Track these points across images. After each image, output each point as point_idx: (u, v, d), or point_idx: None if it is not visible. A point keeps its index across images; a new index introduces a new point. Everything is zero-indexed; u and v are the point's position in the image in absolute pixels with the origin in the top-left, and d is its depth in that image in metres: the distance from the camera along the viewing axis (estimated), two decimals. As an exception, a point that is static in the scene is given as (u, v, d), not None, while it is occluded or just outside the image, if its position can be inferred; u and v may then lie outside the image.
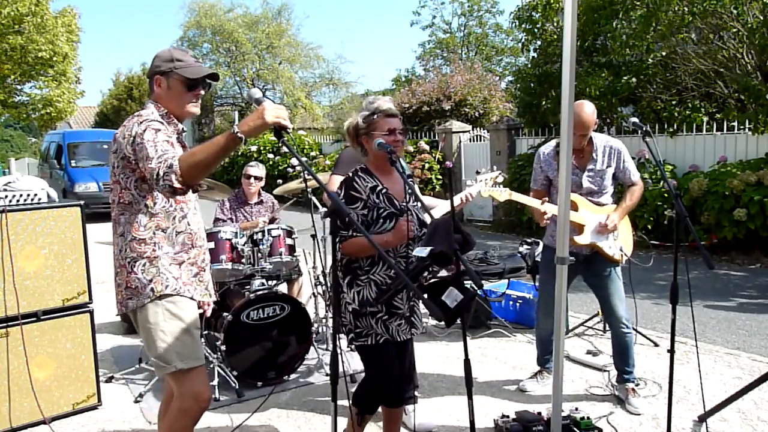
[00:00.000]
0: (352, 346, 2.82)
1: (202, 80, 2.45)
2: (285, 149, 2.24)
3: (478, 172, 3.74)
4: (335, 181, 3.20)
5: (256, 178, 4.99)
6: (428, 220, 2.68)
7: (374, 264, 2.64)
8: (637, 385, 3.75)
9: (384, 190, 2.68)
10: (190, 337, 2.40)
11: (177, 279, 2.40)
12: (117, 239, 2.42)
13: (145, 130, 2.25)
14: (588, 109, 3.48)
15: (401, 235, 2.59)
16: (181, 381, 2.39)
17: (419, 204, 2.73)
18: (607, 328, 5.03)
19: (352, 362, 4.08)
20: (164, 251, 2.38)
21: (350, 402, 2.65)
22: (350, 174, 2.71)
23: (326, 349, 4.47)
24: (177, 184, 2.12)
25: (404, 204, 2.70)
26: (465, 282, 2.35)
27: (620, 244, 3.68)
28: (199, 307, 2.60)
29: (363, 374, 3.88)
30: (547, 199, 3.57)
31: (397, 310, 2.67)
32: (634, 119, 3.22)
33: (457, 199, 3.46)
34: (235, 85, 26.43)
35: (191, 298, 2.46)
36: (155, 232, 2.37)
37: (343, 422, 2.76)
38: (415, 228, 2.66)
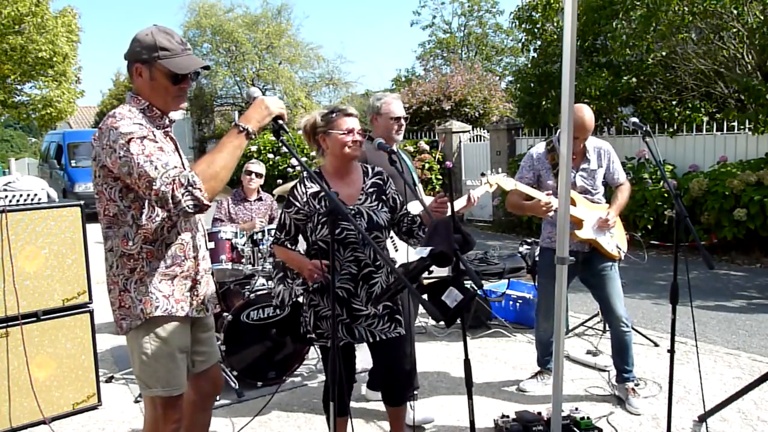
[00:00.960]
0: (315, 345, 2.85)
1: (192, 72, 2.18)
2: (284, 149, 2.19)
3: (483, 174, 3.74)
4: None
5: (256, 174, 5.05)
6: (383, 221, 2.69)
7: (298, 275, 2.71)
8: (636, 384, 3.75)
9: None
10: (173, 362, 2.24)
11: (168, 297, 2.20)
12: (107, 254, 2.22)
13: (129, 142, 1.98)
14: (589, 114, 3.51)
15: (307, 272, 2.56)
16: (153, 405, 2.29)
17: (380, 204, 2.73)
18: (607, 328, 5.04)
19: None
20: (153, 267, 2.16)
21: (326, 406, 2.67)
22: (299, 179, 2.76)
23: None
24: (205, 201, 1.94)
25: (353, 208, 2.67)
26: (465, 282, 2.35)
27: (616, 241, 3.70)
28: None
29: (363, 374, 3.89)
30: (551, 192, 3.56)
31: (359, 312, 2.67)
32: (634, 119, 3.22)
33: (463, 201, 3.46)
34: (235, 85, 26.44)
35: (186, 316, 2.26)
36: (142, 246, 2.15)
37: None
38: (356, 233, 2.63)
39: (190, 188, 1.91)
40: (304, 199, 2.64)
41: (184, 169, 2.03)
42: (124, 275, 2.18)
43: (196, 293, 2.31)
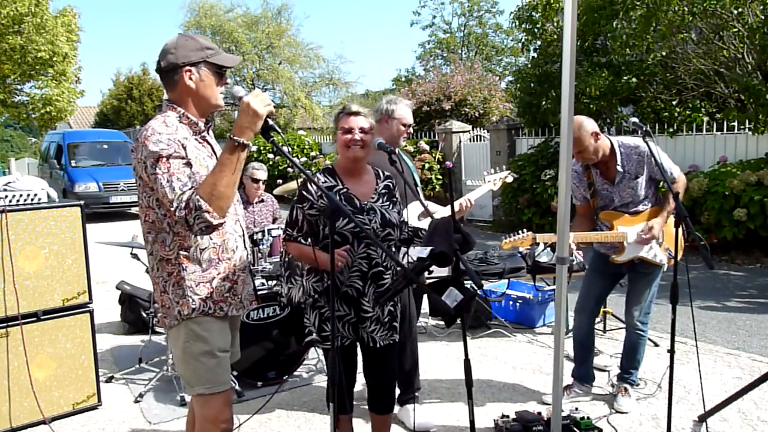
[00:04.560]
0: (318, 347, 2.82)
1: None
2: (284, 148, 2.16)
3: (488, 173, 3.70)
4: None
5: (263, 182, 5.07)
6: (396, 220, 2.68)
7: (309, 272, 2.67)
8: (637, 385, 3.75)
9: (344, 191, 2.66)
10: (214, 360, 2.27)
11: (206, 299, 2.24)
12: (149, 257, 2.30)
13: (157, 161, 2.05)
14: (573, 126, 3.27)
15: (323, 264, 2.51)
16: (200, 404, 2.32)
17: (392, 205, 2.71)
18: (608, 328, 5.05)
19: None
20: (189, 271, 2.21)
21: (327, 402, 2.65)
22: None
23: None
24: (215, 221, 2.04)
25: (366, 204, 2.66)
26: (465, 282, 2.35)
27: (666, 246, 3.52)
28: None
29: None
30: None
31: (365, 314, 2.64)
32: (634, 119, 3.19)
33: (456, 205, 3.45)
34: (235, 84, 26.41)
35: (225, 316, 2.30)
36: (178, 252, 2.20)
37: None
38: (376, 226, 2.62)
39: (198, 212, 2.01)
40: (319, 194, 2.59)
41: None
42: (163, 278, 2.24)
43: (234, 293, 2.33)
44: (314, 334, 2.67)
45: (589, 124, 3.37)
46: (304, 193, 2.62)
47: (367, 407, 2.90)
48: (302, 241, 2.65)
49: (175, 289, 2.22)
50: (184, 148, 2.12)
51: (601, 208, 3.58)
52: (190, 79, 2.20)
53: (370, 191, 2.73)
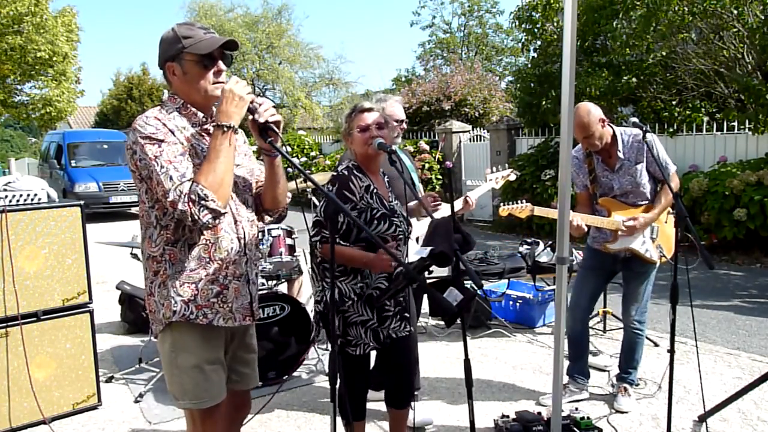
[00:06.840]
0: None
1: (220, 53, 2.08)
2: (283, 149, 2.11)
3: (492, 171, 3.69)
4: None
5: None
6: (413, 218, 2.67)
7: (345, 273, 2.56)
8: (636, 385, 3.74)
9: (375, 190, 2.63)
10: (201, 374, 2.06)
11: (188, 302, 2.04)
12: (142, 257, 2.16)
13: (144, 145, 1.94)
14: (582, 111, 3.37)
15: (382, 265, 2.45)
16: (189, 419, 2.16)
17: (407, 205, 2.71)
18: (608, 328, 5.06)
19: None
20: (176, 269, 2.03)
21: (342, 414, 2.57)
22: (345, 171, 2.61)
23: (326, 350, 4.47)
24: (222, 209, 1.95)
25: (391, 204, 2.64)
26: (465, 282, 2.35)
27: (659, 244, 3.55)
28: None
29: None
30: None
31: (387, 312, 2.62)
32: (634, 119, 3.20)
33: (460, 203, 3.44)
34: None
35: (209, 324, 2.08)
36: (165, 247, 2.03)
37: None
38: (404, 229, 2.61)
39: (203, 202, 1.90)
40: (360, 194, 2.54)
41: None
42: (150, 278, 2.10)
43: (223, 300, 2.11)
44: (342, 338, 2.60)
45: (597, 111, 3.42)
46: (346, 193, 2.53)
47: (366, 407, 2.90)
48: (342, 243, 2.55)
49: (160, 290, 2.06)
50: (180, 135, 2.02)
51: (601, 195, 3.61)
52: (174, 74, 2.09)
53: (387, 191, 2.72)
